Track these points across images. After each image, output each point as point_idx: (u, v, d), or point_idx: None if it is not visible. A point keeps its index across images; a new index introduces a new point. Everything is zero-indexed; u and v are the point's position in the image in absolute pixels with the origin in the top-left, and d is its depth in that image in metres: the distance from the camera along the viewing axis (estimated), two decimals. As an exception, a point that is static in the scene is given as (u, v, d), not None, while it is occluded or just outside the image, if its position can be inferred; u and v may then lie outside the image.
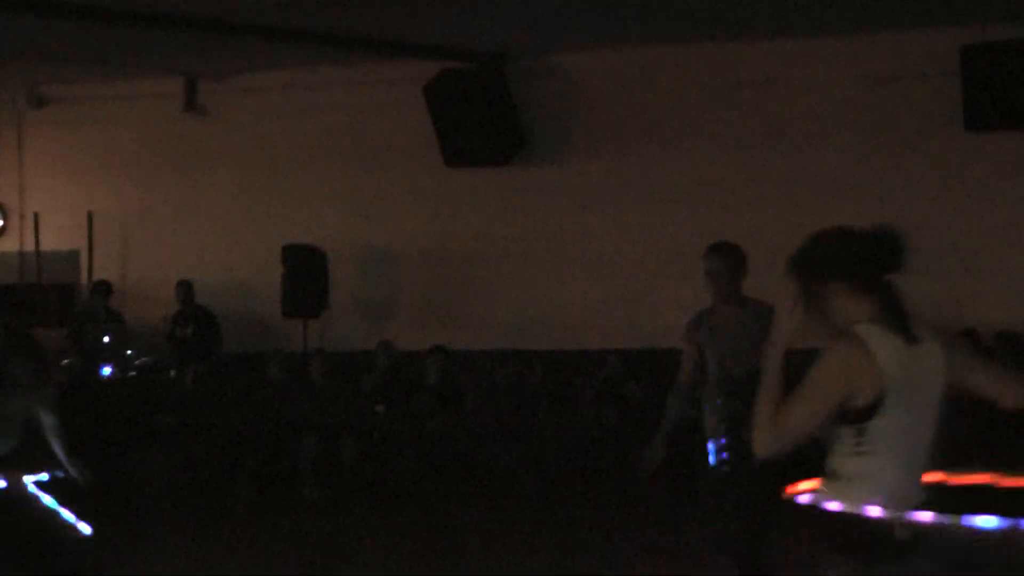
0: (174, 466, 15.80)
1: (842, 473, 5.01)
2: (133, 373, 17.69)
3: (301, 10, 14.73)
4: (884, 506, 4.93)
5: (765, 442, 5.01)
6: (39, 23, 14.86)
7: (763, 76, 16.63)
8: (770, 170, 16.55)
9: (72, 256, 19.34)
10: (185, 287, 17.76)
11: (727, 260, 9.13)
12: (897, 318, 5.05)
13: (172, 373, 17.40)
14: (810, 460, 5.16)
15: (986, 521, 4.96)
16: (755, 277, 8.90)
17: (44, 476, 8.98)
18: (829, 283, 5.08)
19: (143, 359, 17.89)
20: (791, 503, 5.09)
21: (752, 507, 8.60)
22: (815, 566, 5.02)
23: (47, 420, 9.25)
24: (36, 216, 19.30)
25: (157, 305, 18.27)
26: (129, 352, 17.84)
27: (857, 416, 4.98)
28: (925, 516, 4.97)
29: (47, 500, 9.04)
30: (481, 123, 17.17)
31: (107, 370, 17.34)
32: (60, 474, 9.12)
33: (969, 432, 11.53)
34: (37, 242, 19.19)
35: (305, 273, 17.66)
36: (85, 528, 9.11)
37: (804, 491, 5.10)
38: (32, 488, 9.00)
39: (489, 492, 15.25)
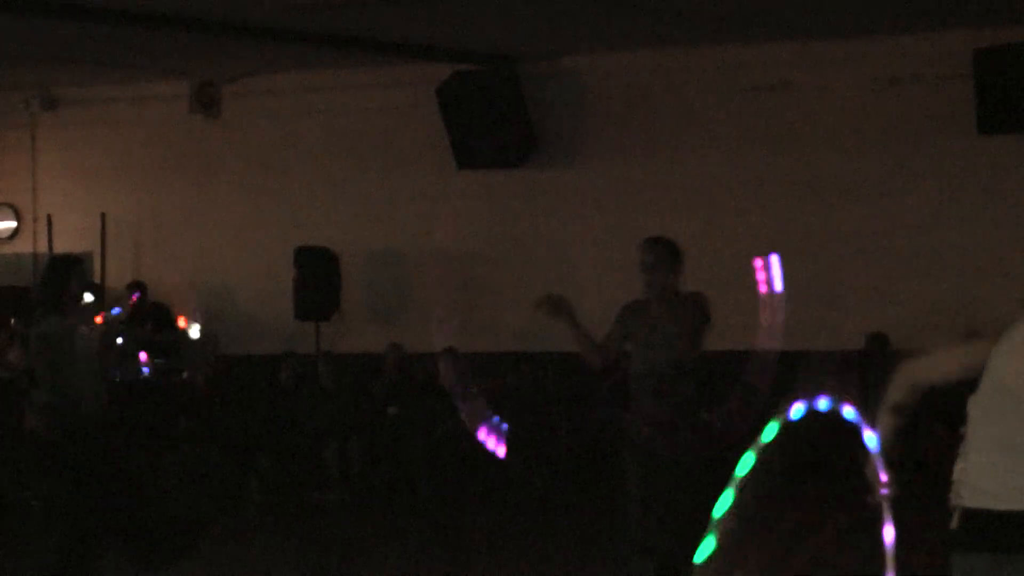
0: (185, 468, 15.80)
1: None
2: (144, 374, 17.64)
3: (312, 12, 14.74)
4: None
5: None
6: (51, 25, 14.87)
7: (775, 79, 16.60)
8: (782, 173, 16.51)
9: (85, 258, 19.30)
10: (135, 288, 17.05)
11: (662, 255, 9.21)
12: None
13: (184, 375, 17.37)
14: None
15: None
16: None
17: None
18: None
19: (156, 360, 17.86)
20: None
21: (677, 514, 8.66)
22: None
23: None
24: (49, 218, 19.30)
25: (170, 307, 18.25)
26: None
27: None
28: None
29: None
30: (493, 125, 17.16)
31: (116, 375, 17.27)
32: None
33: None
34: (50, 244, 19.17)
35: (317, 275, 17.65)
36: None
37: None
38: None
39: (501, 495, 15.24)
